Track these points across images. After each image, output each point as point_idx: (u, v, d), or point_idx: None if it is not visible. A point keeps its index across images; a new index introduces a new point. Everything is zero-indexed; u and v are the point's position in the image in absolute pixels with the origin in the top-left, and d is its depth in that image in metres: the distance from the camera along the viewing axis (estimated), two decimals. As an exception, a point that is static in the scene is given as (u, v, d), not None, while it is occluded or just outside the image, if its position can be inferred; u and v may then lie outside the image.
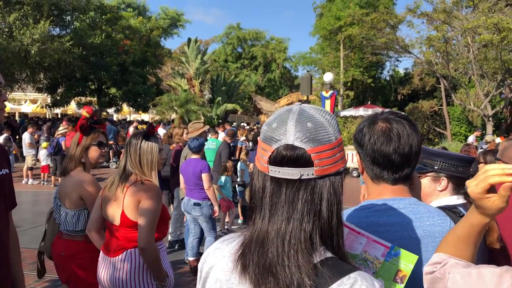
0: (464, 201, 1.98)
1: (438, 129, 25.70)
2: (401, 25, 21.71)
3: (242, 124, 20.96)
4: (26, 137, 12.81)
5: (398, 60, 29.95)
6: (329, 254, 0.89)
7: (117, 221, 2.52)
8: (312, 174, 0.87)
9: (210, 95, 26.67)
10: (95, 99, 27.59)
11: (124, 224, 2.50)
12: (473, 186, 0.93)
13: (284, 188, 0.89)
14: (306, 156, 0.87)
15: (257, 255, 0.88)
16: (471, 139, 14.51)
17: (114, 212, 2.53)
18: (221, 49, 41.91)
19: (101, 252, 2.63)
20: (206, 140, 7.52)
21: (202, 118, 22.63)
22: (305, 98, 14.98)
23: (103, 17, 26.25)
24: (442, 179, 2.00)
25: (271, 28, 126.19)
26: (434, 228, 1.30)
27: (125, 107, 29.89)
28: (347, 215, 1.35)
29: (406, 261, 1.11)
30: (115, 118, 29.85)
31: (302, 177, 0.87)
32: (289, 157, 0.87)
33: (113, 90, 27.87)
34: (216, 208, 5.49)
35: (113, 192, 2.54)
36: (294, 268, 0.84)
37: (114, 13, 26.67)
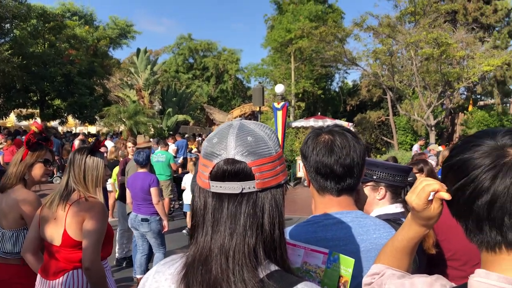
0: (403, 210, 2.06)
1: (385, 138, 26.74)
2: (348, 39, 22.53)
3: (187, 136, 20.64)
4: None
5: (346, 72, 31.10)
6: (274, 267, 0.88)
7: (57, 241, 2.36)
8: (254, 187, 0.88)
9: (160, 106, 26.18)
10: (38, 111, 26.21)
11: (66, 244, 2.34)
12: (415, 198, 0.97)
13: (226, 203, 0.88)
14: (247, 169, 0.87)
15: (201, 274, 0.86)
16: (415, 147, 15.17)
17: (54, 232, 2.37)
18: (172, 59, 41.40)
19: (38, 275, 2.44)
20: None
21: (152, 130, 22.12)
22: (258, 109, 15.04)
23: (46, 25, 25.10)
24: (381, 188, 2.07)
25: (223, 39, 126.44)
26: (380, 240, 1.33)
27: (70, 119, 28.65)
28: (295, 231, 1.36)
29: (345, 266, 1.11)
30: (59, 130, 28.50)
31: (244, 191, 0.87)
32: (229, 171, 0.88)
33: (57, 102, 26.60)
34: (165, 222, 5.39)
35: (54, 210, 2.38)
36: (240, 284, 0.83)
37: (58, 21, 25.59)
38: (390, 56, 20.47)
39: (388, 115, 25.55)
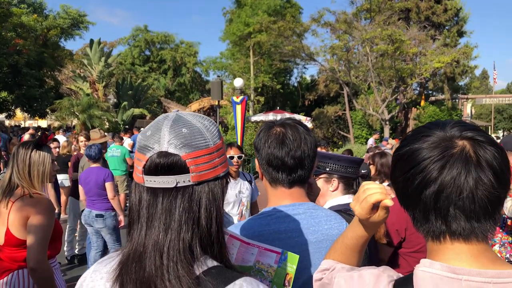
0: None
1: (342, 133, 27.39)
2: (306, 34, 22.79)
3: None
4: None
5: (305, 67, 31.43)
6: (212, 263, 0.86)
7: (0, 240, 2.24)
8: (189, 181, 0.85)
9: (115, 100, 25.40)
10: (-18, 103, 24.70)
11: (9, 243, 2.23)
12: (358, 209, 0.98)
13: (161, 198, 0.85)
14: (181, 162, 0.85)
15: (135, 272, 0.83)
16: (371, 141, 15.59)
17: (-4, 230, 2.20)
18: (128, 51, 40.15)
19: None
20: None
21: (107, 124, 21.41)
22: (216, 103, 14.91)
23: (-9, 13, 23.64)
24: (334, 180, 2.14)
25: (180, 31, 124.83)
26: (331, 231, 1.37)
27: (18, 112, 27.21)
28: (248, 224, 1.35)
29: (291, 263, 1.12)
30: (6, 124, 27.00)
31: (178, 185, 0.85)
32: (162, 164, 0.85)
33: (4, 94, 25.15)
34: (121, 217, 5.33)
35: None
36: (174, 280, 0.80)
37: (4, 8, 24.14)
38: (346, 51, 20.91)
39: (344, 110, 26.16)
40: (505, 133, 53.87)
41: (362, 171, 3.40)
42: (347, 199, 2.11)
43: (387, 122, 20.95)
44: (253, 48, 23.62)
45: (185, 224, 0.84)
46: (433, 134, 0.84)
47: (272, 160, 1.34)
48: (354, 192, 2.11)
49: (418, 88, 28.11)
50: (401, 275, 0.91)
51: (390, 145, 11.21)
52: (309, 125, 19.20)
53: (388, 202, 0.92)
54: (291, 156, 1.33)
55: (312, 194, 1.52)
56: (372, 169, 4.30)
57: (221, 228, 0.90)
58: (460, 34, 27.97)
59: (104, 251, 5.36)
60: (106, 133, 6.63)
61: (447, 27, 27.69)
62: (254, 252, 1.14)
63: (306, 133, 1.37)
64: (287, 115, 20.03)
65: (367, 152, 10.15)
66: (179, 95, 40.27)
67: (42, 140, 2.44)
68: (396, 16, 23.17)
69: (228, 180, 0.98)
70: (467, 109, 28.45)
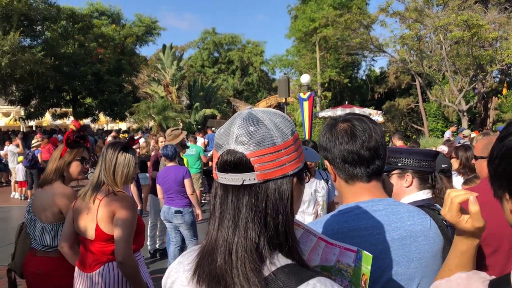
0: (431, 195, 2.00)
1: (415, 126, 26.14)
2: (374, 25, 22.06)
3: (213, 129, 20.81)
4: (12, 148, 12.57)
5: (373, 60, 30.46)
6: (286, 262, 0.86)
7: (91, 235, 2.43)
8: (254, 179, 0.86)
9: (187, 101, 26.48)
10: (71, 109, 27.03)
11: (99, 238, 2.41)
12: (447, 213, 0.99)
13: (231, 195, 0.88)
14: (246, 160, 0.85)
15: (208, 266, 0.87)
16: (447, 134, 14.77)
17: (87, 226, 2.45)
18: (197, 54, 41.64)
19: (76, 268, 2.53)
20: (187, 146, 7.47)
21: (181, 124, 22.39)
22: (284, 100, 14.99)
23: (75, 26, 25.78)
24: (407, 175, 2.02)
25: (246, 31, 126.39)
26: (415, 227, 1.31)
27: (101, 116, 29.38)
28: (327, 221, 1.32)
29: (366, 263, 1.10)
30: (92, 128, 29.31)
31: (245, 183, 0.86)
32: (229, 162, 0.87)
33: (88, 100, 27.34)
34: (199, 211, 5.54)
35: (87, 203, 2.45)
36: (242, 278, 0.81)
37: (86, 21, 26.22)
38: (418, 41, 19.91)
39: (417, 102, 24.95)
40: None
41: (443, 166, 3.20)
42: (422, 194, 2.00)
43: (465, 113, 19.65)
44: (319, 43, 23.34)
45: (252, 222, 0.85)
46: None
47: (347, 156, 1.29)
48: (430, 187, 2.02)
49: (499, 76, 25.99)
50: (494, 277, 0.87)
51: (468, 138, 10.56)
52: (380, 119, 18.61)
53: (472, 197, 0.93)
54: (366, 148, 1.28)
55: (386, 190, 1.46)
56: (455, 163, 4.07)
57: (290, 226, 0.89)
58: (549, 13, 25.41)
59: (183, 245, 5.56)
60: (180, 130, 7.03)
61: (532, 7, 25.30)
62: (336, 252, 1.11)
63: (372, 123, 1.33)
64: (356, 109, 19.57)
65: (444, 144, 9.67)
66: (247, 94, 40.85)
67: (129, 143, 2.60)
68: (472, 0, 21.67)
69: (306, 176, 0.98)
70: (558, 96, 25.75)
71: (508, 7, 23.22)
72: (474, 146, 2.66)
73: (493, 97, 25.21)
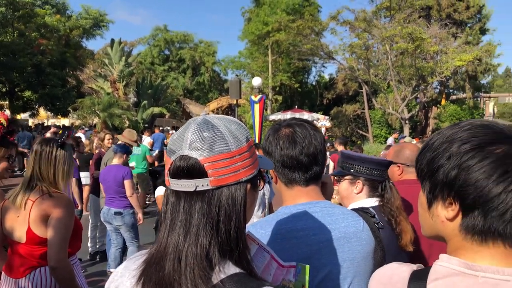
0: (379, 204, 2.04)
1: (360, 132, 27.08)
2: (325, 32, 22.63)
3: (166, 128, 20.35)
4: None
5: (323, 66, 31.17)
6: (235, 270, 0.84)
7: (22, 238, 2.26)
8: (207, 185, 0.85)
9: (135, 99, 25.66)
10: (7, 102, 25.36)
11: (31, 242, 2.25)
12: None
13: (183, 201, 0.87)
14: (200, 166, 0.85)
15: (155, 272, 0.84)
16: (390, 141, 15.40)
17: (17, 229, 2.27)
18: (147, 51, 40.63)
19: (2, 273, 2.35)
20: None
21: (127, 122, 21.70)
22: (235, 102, 14.96)
23: (15, 13, 24.23)
24: (358, 182, 2.07)
25: (199, 31, 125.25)
26: (348, 229, 1.36)
27: (42, 111, 27.85)
28: (266, 223, 1.35)
29: (304, 274, 1.13)
30: (30, 123, 27.66)
31: (197, 189, 0.85)
32: (182, 168, 0.86)
33: (27, 93, 25.80)
34: (140, 215, 5.39)
35: (17, 205, 2.27)
36: (190, 286, 0.80)
37: (28, 9, 24.73)
38: (366, 50, 20.67)
39: (363, 109, 25.86)
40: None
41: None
42: (371, 202, 2.04)
43: (407, 121, 20.63)
44: (272, 47, 23.58)
45: (203, 228, 0.84)
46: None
47: (287, 161, 1.34)
48: (379, 196, 2.06)
49: (438, 87, 27.57)
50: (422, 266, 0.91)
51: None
52: (328, 124, 19.08)
53: None
54: (305, 154, 1.33)
55: (326, 193, 1.51)
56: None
57: (242, 233, 0.89)
58: (483, 31, 27.31)
59: (124, 248, 5.42)
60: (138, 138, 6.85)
61: (469, 25, 27.05)
62: (284, 272, 1.14)
63: (314, 130, 1.38)
64: (306, 114, 19.95)
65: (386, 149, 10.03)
66: (198, 94, 40.50)
67: (65, 138, 2.48)
68: (416, 14, 22.76)
69: (259, 182, 0.98)
70: (489, 108, 27.73)
71: (448, 23, 24.71)
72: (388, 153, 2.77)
73: (433, 106, 26.68)
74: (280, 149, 1.34)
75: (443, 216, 0.85)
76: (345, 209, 1.45)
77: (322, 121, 18.83)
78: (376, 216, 1.56)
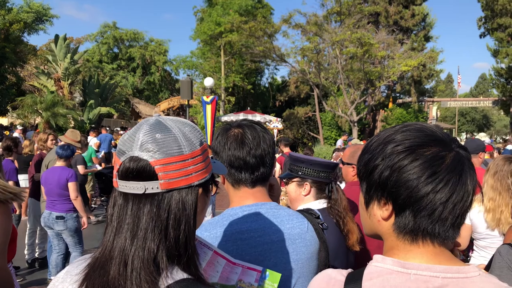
0: (326, 205, 2.10)
1: (312, 134, 27.64)
2: (277, 35, 22.81)
3: (116, 129, 19.63)
4: None
5: (276, 68, 31.50)
6: (182, 275, 0.82)
7: None
8: (157, 188, 0.82)
9: (81, 98, 24.59)
10: None
11: None
12: None
13: (131, 204, 0.83)
14: (150, 168, 0.82)
15: (99, 277, 0.80)
16: (339, 142, 15.77)
17: None
18: (95, 48, 39.09)
19: None
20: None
21: (72, 122, 20.72)
22: (186, 102, 14.68)
23: (-52, 4, 22.49)
24: (306, 184, 2.12)
25: (150, 29, 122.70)
26: (293, 230, 1.37)
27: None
28: (210, 225, 1.34)
29: (272, 281, 1.12)
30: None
31: (147, 191, 0.82)
32: (132, 170, 0.83)
33: (-38, 90, 23.99)
34: (84, 219, 5.20)
35: None
36: None
37: (-38, 0, 23.01)
38: (317, 53, 21.06)
39: (314, 111, 26.39)
40: (468, 135, 55.91)
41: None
42: (318, 204, 2.09)
43: (356, 124, 21.24)
44: (224, 48, 23.45)
45: (152, 232, 0.81)
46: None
47: (234, 161, 1.35)
48: (326, 197, 2.10)
49: (386, 91, 28.69)
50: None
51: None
52: (280, 125, 19.23)
53: None
54: (252, 155, 1.34)
55: (274, 195, 1.52)
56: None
57: (191, 238, 0.86)
58: (427, 39, 28.76)
59: (67, 254, 5.20)
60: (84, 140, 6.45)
61: (414, 32, 28.39)
62: (238, 271, 1.13)
63: (264, 132, 1.39)
64: (258, 115, 20.01)
65: (333, 152, 10.24)
66: (148, 94, 39.59)
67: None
68: (365, 20, 23.55)
69: (211, 187, 0.97)
70: (433, 112, 29.30)
71: (395, 29, 25.77)
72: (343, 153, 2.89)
73: (381, 110, 27.70)
74: (228, 149, 1.35)
75: (379, 216, 0.88)
76: (291, 211, 1.46)
77: (275, 123, 18.95)
78: (320, 217, 1.60)
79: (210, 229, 1.31)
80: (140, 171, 0.83)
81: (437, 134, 0.86)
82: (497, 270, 1.62)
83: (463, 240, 2.85)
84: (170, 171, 0.83)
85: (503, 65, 28.35)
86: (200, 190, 0.89)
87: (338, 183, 2.29)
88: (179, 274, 0.82)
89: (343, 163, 2.70)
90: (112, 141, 14.28)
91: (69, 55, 23.67)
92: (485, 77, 53.84)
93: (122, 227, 0.83)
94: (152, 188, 0.82)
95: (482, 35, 30.20)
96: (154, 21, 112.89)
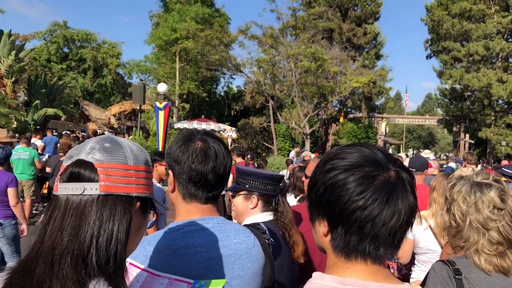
0: (273, 217, 2.10)
1: (266, 144, 27.83)
2: (234, 45, 22.88)
3: (65, 132, 18.77)
4: None
5: (232, 78, 31.52)
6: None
7: None
8: (96, 189, 0.82)
9: (26, 98, 23.32)
10: None
11: None
12: None
13: (68, 206, 0.82)
14: (92, 169, 0.84)
15: (23, 279, 0.78)
16: (292, 154, 15.95)
17: None
18: (43, 47, 37.31)
19: None
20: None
21: (15, 123, 19.59)
22: (138, 107, 14.32)
23: None
24: (253, 197, 2.11)
25: (103, 30, 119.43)
26: (240, 245, 1.36)
27: None
28: (154, 239, 1.28)
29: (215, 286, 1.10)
30: None
31: (85, 192, 0.82)
32: (74, 172, 0.84)
33: None
34: (24, 226, 4.90)
35: None
36: None
37: None
38: (272, 66, 21.33)
39: (269, 122, 26.62)
40: (414, 151, 58.62)
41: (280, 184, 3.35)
42: (265, 216, 2.08)
43: (308, 136, 21.64)
44: (180, 54, 23.17)
45: (83, 234, 0.80)
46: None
47: (194, 176, 1.29)
48: (273, 210, 2.11)
49: (338, 105, 29.57)
50: None
51: (308, 159, 11.48)
52: (234, 135, 19.19)
53: None
54: (215, 174, 1.30)
55: (218, 209, 1.48)
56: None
57: (122, 248, 0.84)
58: (378, 57, 30.04)
59: (3, 262, 4.85)
60: (16, 135, 6.08)
61: (366, 49, 29.56)
62: (164, 283, 1.09)
63: (226, 150, 1.35)
64: (212, 124, 19.86)
65: (286, 163, 10.35)
66: (99, 97, 38.32)
67: None
68: (320, 35, 24.19)
69: (151, 212, 0.95)
70: (382, 128, 30.44)
71: (348, 46, 26.66)
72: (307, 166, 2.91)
73: (333, 123, 28.46)
74: (192, 162, 1.28)
75: (321, 232, 0.90)
76: (238, 226, 1.44)
77: (229, 132, 18.89)
78: (267, 232, 1.59)
79: (153, 244, 1.26)
80: (82, 172, 0.84)
81: (375, 155, 0.88)
82: (431, 285, 1.66)
83: (405, 254, 2.94)
84: (112, 175, 0.84)
85: (447, 86, 30.12)
86: (138, 204, 0.88)
87: (291, 194, 2.28)
88: (104, 285, 0.81)
89: (307, 177, 2.70)
90: (58, 144, 13.65)
91: (13, 52, 22.49)
92: (431, 97, 56.97)
93: (54, 228, 0.82)
94: (91, 189, 0.82)
95: (428, 57, 31.99)
96: (108, 22, 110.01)
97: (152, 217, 0.96)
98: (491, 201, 1.55)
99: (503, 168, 6.32)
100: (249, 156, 9.53)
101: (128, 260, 1.05)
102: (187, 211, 1.34)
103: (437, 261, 1.80)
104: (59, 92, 26.44)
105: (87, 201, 0.83)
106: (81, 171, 0.84)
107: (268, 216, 2.09)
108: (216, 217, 1.37)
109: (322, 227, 0.89)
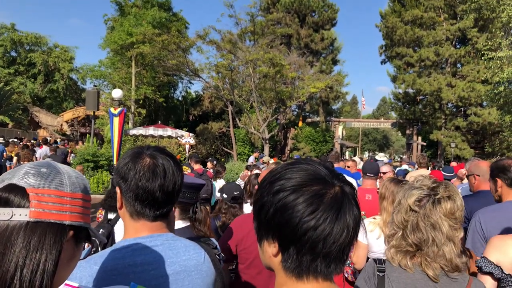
0: (189, 224, 2.12)
1: (225, 149, 27.69)
2: (192, 50, 22.65)
3: (12, 140, 17.78)
4: None
5: (190, 82, 31.17)
6: None
7: None
8: (26, 215, 0.78)
9: (-31, 104, 22.03)
10: None
11: None
12: None
13: None
14: (23, 195, 0.79)
15: None
16: (251, 159, 15.91)
17: None
18: (-11, 50, 35.49)
19: None
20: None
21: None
22: (92, 113, 13.81)
23: None
24: None
25: (55, 34, 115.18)
26: (189, 262, 1.34)
27: None
28: (100, 258, 1.25)
29: None
30: None
31: (13, 218, 0.77)
32: (3, 196, 0.79)
33: None
34: None
35: None
36: None
37: None
38: (231, 71, 21.27)
39: (229, 127, 26.52)
40: (370, 154, 60.29)
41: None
42: (181, 223, 2.07)
43: (267, 141, 21.71)
44: (136, 59, 22.64)
45: (6, 264, 0.74)
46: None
47: (141, 194, 1.25)
48: (190, 218, 2.10)
49: (296, 110, 29.91)
50: None
51: (267, 164, 11.46)
52: (192, 141, 18.90)
53: None
54: (163, 191, 1.26)
55: (170, 223, 1.45)
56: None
57: (47, 281, 0.78)
58: (335, 62, 30.70)
59: None
60: None
61: (323, 55, 30.15)
62: None
63: (177, 166, 1.31)
64: (169, 130, 19.48)
65: (246, 168, 10.27)
66: (50, 103, 36.73)
67: None
68: (278, 41, 24.40)
69: (85, 244, 0.87)
70: (339, 131, 31.15)
71: (305, 52, 27.05)
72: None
73: (291, 128, 28.75)
74: (139, 180, 1.24)
75: (270, 253, 0.89)
76: (188, 242, 1.41)
77: (187, 138, 18.57)
78: (218, 247, 1.57)
79: (100, 262, 1.22)
80: (12, 197, 0.79)
81: (320, 172, 0.88)
82: (357, 281, 1.72)
83: (359, 259, 2.98)
84: (45, 202, 0.80)
85: (400, 90, 31.24)
86: (71, 233, 0.84)
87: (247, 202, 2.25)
88: None
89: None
90: (4, 153, 12.95)
91: (-46, 56, 21.18)
92: (385, 100, 58.83)
93: None
94: (20, 215, 0.77)
95: (383, 62, 33.07)
96: (59, 26, 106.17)
97: (87, 246, 0.88)
98: (410, 204, 1.60)
99: (442, 172, 6.67)
100: (214, 162, 9.38)
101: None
102: (135, 229, 1.30)
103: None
104: (6, 98, 25.20)
105: (14, 227, 0.77)
106: (10, 196, 0.79)
107: (184, 223, 2.08)
108: (166, 233, 1.34)
109: (272, 248, 0.88)
